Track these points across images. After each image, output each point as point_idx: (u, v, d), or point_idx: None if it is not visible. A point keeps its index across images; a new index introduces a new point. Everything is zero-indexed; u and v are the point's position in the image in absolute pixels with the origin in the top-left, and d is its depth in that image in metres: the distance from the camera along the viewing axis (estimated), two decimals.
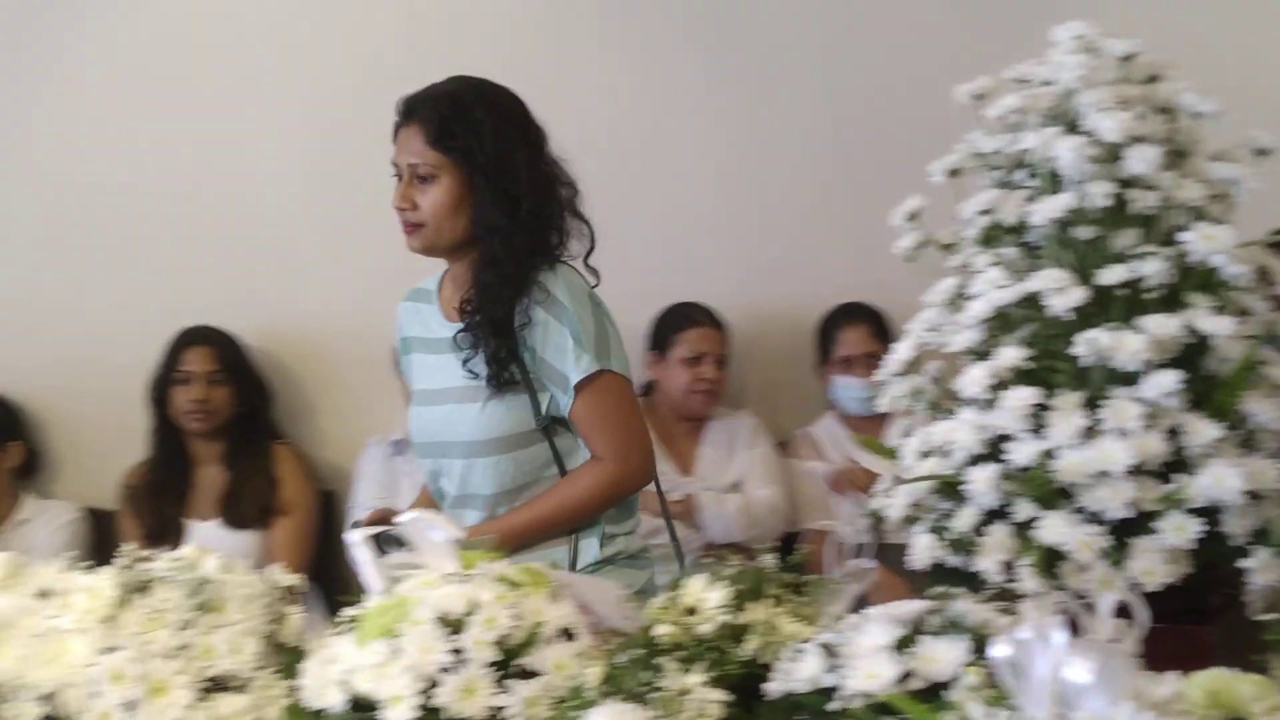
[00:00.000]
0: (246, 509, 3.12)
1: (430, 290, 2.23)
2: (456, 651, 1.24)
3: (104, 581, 1.36)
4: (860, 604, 1.33)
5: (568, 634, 1.30)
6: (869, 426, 3.28)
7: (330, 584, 2.93)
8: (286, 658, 1.41)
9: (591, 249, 2.17)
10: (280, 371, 3.45)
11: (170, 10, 3.48)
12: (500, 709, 1.22)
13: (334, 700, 1.28)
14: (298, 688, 1.33)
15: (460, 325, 2.09)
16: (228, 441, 3.22)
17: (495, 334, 2.04)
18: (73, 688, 1.29)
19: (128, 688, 1.27)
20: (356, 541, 1.38)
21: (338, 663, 1.30)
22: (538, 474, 2.11)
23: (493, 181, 2.04)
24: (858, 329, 3.32)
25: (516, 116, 2.11)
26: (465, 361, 2.07)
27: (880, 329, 3.31)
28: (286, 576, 1.49)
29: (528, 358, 2.06)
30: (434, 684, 1.23)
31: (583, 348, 2.03)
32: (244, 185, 3.44)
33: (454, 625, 1.26)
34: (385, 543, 1.43)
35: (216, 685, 1.33)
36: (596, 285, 2.18)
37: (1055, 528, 1.30)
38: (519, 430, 2.08)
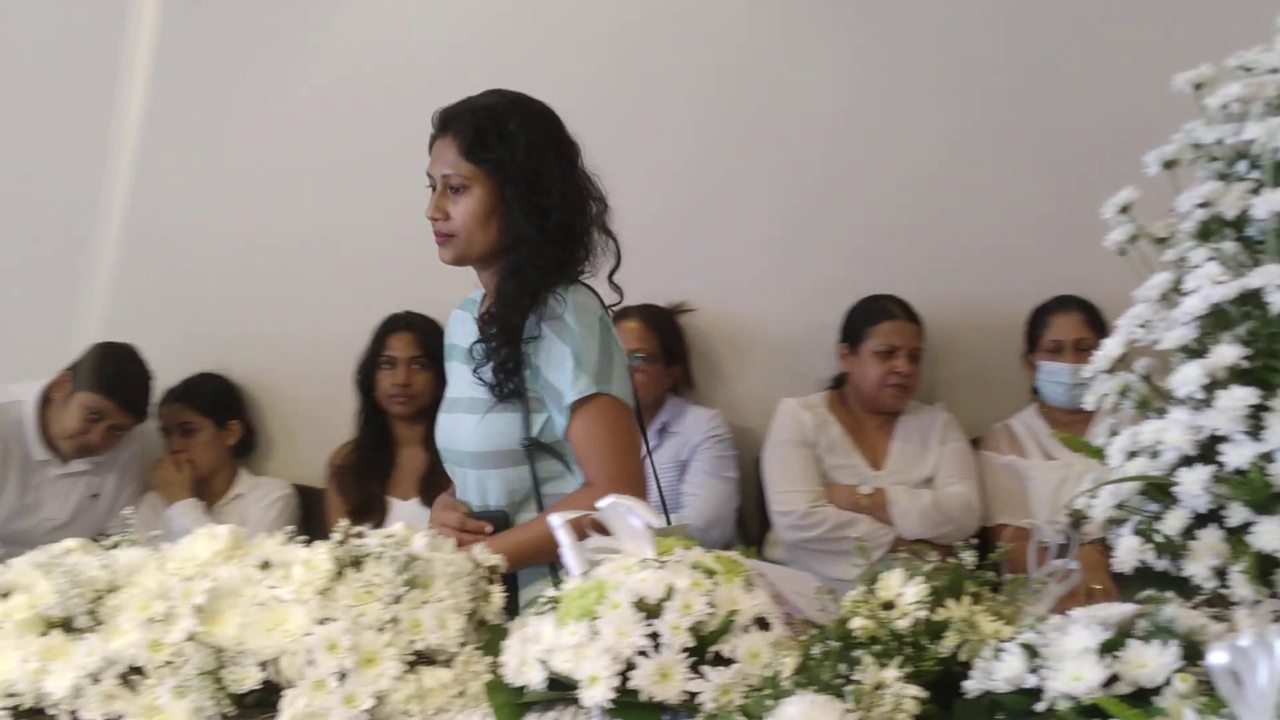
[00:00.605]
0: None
1: (476, 300, 2.25)
2: (653, 636, 1.27)
3: (321, 555, 1.43)
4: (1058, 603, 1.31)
5: (763, 623, 1.31)
6: (1072, 422, 3.20)
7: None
8: (489, 635, 1.45)
9: (617, 265, 2.15)
10: None
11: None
12: (694, 695, 1.24)
13: (534, 678, 1.32)
14: (499, 665, 1.38)
15: (474, 338, 2.13)
16: (429, 424, 3.32)
17: (506, 343, 2.05)
18: (290, 655, 1.35)
19: (341, 657, 1.33)
20: (558, 525, 1.41)
21: (538, 642, 1.33)
22: (521, 498, 2.11)
23: (523, 193, 2.05)
24: (1070, 316, 3.25)
25: (550, 130, 2.12)
26: (475, 369, 2.08)
27: (1093, 319, 3.22)
28: (489, 556, 1.53)
29: (529, 375, 2.06)
30: (630, 666, 1.25)
31: (582, 369, 2.02)
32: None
33: (650, 610, 1.28)
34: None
35: (422, 659, 1.39)
36: (619, 302, 2.17)
37: (1271, 534, 1.25)
38: (505, 447, 2.08)
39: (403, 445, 3.35)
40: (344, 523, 1.49)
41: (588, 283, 2.14)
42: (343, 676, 1.33)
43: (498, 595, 1.51)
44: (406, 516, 3.16)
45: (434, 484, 3.21)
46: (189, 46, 3.53)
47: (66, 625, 1.40)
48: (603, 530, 1.44)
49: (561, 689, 1.31)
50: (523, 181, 2.05)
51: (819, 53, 3.48)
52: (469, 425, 2.10)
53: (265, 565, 1.45)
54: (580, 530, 1.42)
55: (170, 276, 3.58)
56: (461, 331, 2.24)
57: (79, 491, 3.29)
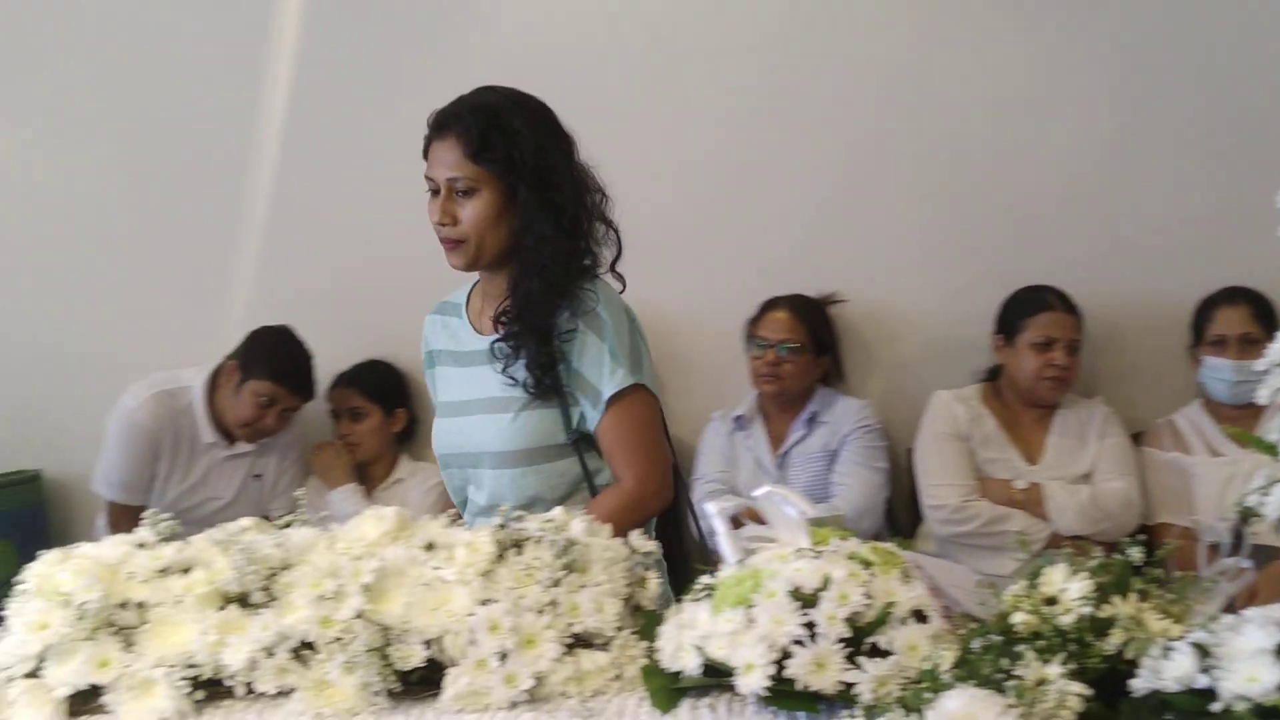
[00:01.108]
0: None
1: (459, 304, 2.22)
2: (809, 625, 1.27)
3: (483, 538, 1.47)
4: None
5: (921, 616, 1.30)
6: (1240, 417, 3.09)
7: (673, 555, 3.02)
8: (645, 620, 1.47)
9: (618, 255, 2.13)
10: None
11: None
12: (850, 686, 1.24)
13: (689, 664, 1.33)
14: (655, 649, 1.39)
15: (495, 335, 2.08)
16: None
17: (537, 342, 2.02)
18: (453, 635, 1.39)
19: (502, 638, 1.37)
20: (713, 513, 1.42)
21: (694, 628, 1.35)
22: (567, 491, 2.07)
23: (536, 191, 2.01)
24: (1237, 309, 3.13)
25: (551, 125, 2.07)
26: (505, 369, 2.05)
27: (1262, 312, 3.11)
28: (646, 543, 1.55)
29: (562, 370, 2.03)
30: (786, 655, 1.26)
31: (618, 361, 2.02)
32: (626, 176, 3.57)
33: (806, 600, 1.29)
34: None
35: (580, 642, 1.41)
36: (622, 291, 2.14)
37: None
38: (549, 443, 2.05)
39: None
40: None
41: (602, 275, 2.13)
42: (504, 657, 1.37)
43: (654, 581, 1.52)
44: None
45: None
46: (344, 32, 3.63)
47: (243, 600, 1.47)
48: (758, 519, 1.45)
49: (717, 675, 1.32)
50: (534, 179, 2.01)
51: (977, 40, 3.42)
52: (499, 425, 2.06)
53: (430, 547, 1.50)
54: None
55: (337, 268, 3.69)
56: (446, 336, 2.21)
57: (242, 472, 3.42)
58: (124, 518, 3.25)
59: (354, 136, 3.64)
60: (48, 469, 3.86)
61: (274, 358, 3.29)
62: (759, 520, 1.47)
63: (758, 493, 1.43)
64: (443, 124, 2.05)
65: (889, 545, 1.38)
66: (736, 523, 1.47)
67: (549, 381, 2.02)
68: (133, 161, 3.77)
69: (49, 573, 1.52)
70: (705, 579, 1.40)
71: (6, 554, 3.61)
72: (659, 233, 3.52)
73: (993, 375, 3.32)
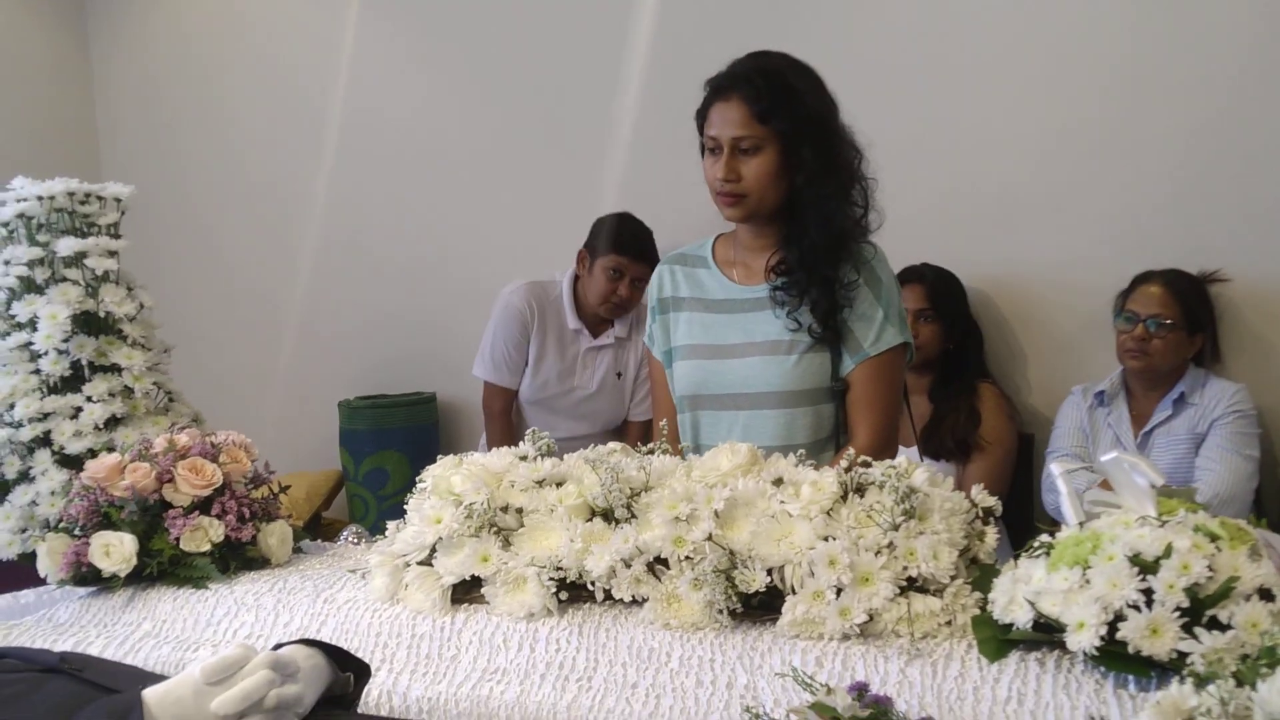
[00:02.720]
0: (944, 440, 3.27)
1: (701, 255, 2.33)
2: (1146, 592, 1.27)
3: (828, 479, 1.55)
4: None
5: (1266, 594, 1.27)
6: None
7: (1019, 526, 3.00)
8: (980, 572, 1.51)
9: (866, 211, 2.21)
10: (994, 314, 3.54)
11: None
12: (1183, 655, 1.24)
13: (1021, 617, 1.36)
14: (988, 601, 1.43)
15: (769, 284, 2.20)
16: (934, 375, 3.38)
17: (822, 292, 2.14)
18: (793, 565, 1.48)
19: (839, 573, 1.45)
20: (1057, 474, 1.45)
21: (1028, 583, 1.38)
22: (820, 436, 2.19)
23: (819, 150, 2.12)
24: None
25: (823, 88, 2.18)
26: (789, 313, 2.16)
27: None
28: (988, 498, 1.59)
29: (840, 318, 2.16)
30: (1119, 618, 1.27)
31: (889, 320, 2.17)
32: (977, 138, 3.54)
33: (1146, 566, 1.29)
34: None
35: (914, 585, 1.47)
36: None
37: None
38: (820, 386, 2.18)
39: (907, 393, 3.42)
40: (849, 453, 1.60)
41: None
42: (839, 591, 1.45)
43: (991, 536, 1.56)
44: None
45: (933, 435, 3.28)
46: None
47: (607, 515, 1.62)
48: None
49: (1047, 631, 1.35)
50: (816, 140, 2.12)
51: None
52: (782, 366, 2.17)
53: (778, 482, 1.60)
54: None
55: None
56: (689, 284, 2.31)
57: (606, 366, 3.66)
58: (497, 399, 3.65)
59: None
60: (442, 392, 4.26)
61: (615, 234, 3.54)
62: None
63: (1105, 457, 1.43)
64: (727, 86, 2.16)
65: (1239, 521, 1.36)
66: None
67: (832, 326, 2.15)
68: (519, 107, 4.08)
69: (444, 475, 1.73)
70: (1044, 538, 1.42)
71: (401, 465, 4.03)
72: (1024, 199, 3.48)
73: None
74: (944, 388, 3.37)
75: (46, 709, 1.29)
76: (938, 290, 3.37)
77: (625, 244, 3.53)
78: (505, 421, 3.67)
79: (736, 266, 2.28)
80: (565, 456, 1.75)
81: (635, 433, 3.62)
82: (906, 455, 3.19)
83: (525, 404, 3.68)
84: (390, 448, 4.06)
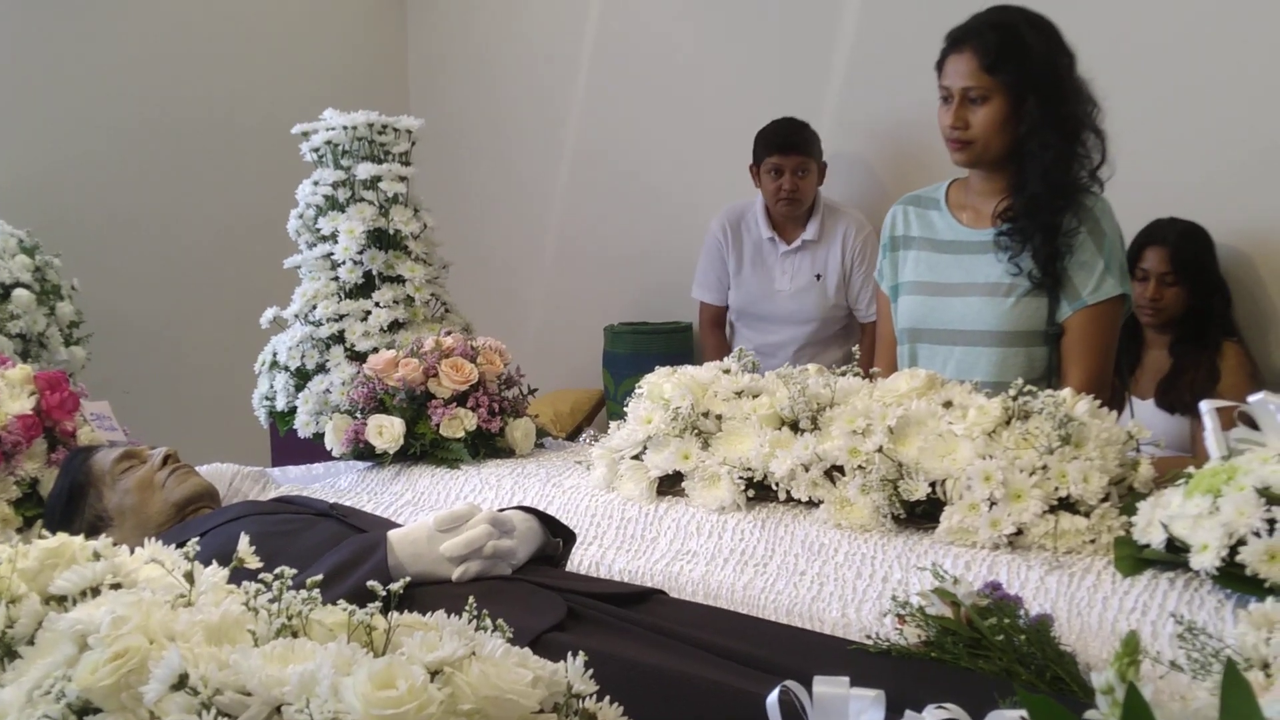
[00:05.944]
0: (1181, 394, 3.26)
1: (935, 198, 2.42)
2: (1270, 521, 1.37)
3: (994, 404, 1.70)
4: None
5: None
6: None
7: None
8: (1129, 498, 1.63)
9: (1102, 162, 2.24)
10: (1248, 273, 3.47)
11: None
12: None
13: (1155, 538, 1.49)
14: (1129, 524, 1.56)
15: (995, 229, 2.28)
16: (1176, 332, 3.36)
17: (1044, 239, 2.21)
18: (953, 480, 1.65)
19: (993, 488, 1.60)
20: (1205, 410, 1.55)
21: (1165, 508, 1.50)
22: (1030, 376, 2.16)
23: (1045, 102, 2.19)
24: None
25: (1058, 41, 2.23)
26: (1011, 258, 2.24)
27: None
28: (1143, 430, 1.70)
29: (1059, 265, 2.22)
30: (1241, 543, 1.38)
31: (1109, 271, 2.22)
32: (1244, 92, 3.47)
33: (1274, 499, 1.39)
34: None
35: (1064, 505, 1.61)
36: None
37: None
38: (1035, 329, 2.25)
39: (1149, 347, 3.42)
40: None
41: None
42: (992, 504, 1.60)
43: (1146, 466, 1.67)
44: (1140, 416, 3.26)
45: (1169, 389, 3.28)
46: None
47: (794, 425, 1.82)
48: None
49: (1178, 553, 1.46)
50: (1044, 91, 2.19)
51: None
52: (999, 307, 2.26)
53: (948, 404, 1.75)
54: None
55: None
56: (921, 224, 2.41)
57: (805, 269, 3.80)
58: (708, 314, 3.97)
59: None
60: (698, 323, 4.51)
61: (765, 138, 3.72)
62: None
63: (1253, 398, 1.52)
64: (961, 39, 2.26)
65: None
66: None
67: (1051, 273, 2.22)
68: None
69: (658, 382, 1.97)
70: (1188, 469, 1.53)
71: None
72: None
73: None
74: (1186, 343, 3.35)
75: (317, 540, 1.62)
76: (1182, 252, 3.33)
77: (773, 142, 3.71)
78: (718, 335, 3.97)
79: (966, 210, 2.39)
80: (766, 373, 1.96)
81: (871, 333, 3.74)
82: (1139, 405, 3.26)
83: (737, 318, 3.91)
84: (647, 371, 4.33)
